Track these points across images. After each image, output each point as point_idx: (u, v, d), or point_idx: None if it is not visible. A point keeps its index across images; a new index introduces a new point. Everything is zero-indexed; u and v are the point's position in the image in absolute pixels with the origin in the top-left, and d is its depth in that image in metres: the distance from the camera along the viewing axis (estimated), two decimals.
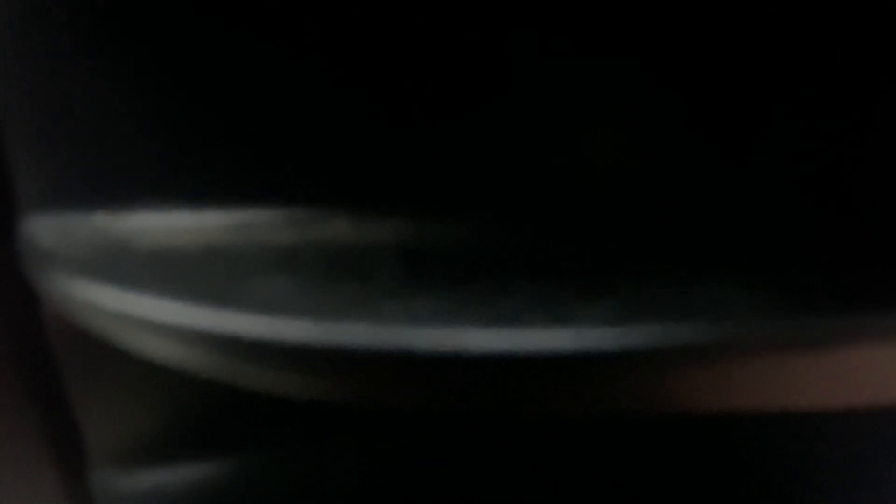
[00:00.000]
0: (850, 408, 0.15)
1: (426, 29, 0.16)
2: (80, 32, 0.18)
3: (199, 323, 0.15)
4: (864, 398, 0.15)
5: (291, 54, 0.17)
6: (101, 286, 0.17)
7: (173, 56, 0.18)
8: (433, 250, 0.17)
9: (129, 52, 0.18)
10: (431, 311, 0.15)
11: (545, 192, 0.17)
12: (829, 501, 0.20)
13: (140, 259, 0.18)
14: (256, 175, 0.18)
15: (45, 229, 0.20)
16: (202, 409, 0.23)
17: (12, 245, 0.20)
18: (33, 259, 0.19)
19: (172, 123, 0.18)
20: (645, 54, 0.15)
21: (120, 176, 0.19)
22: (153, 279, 0.17)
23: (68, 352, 0.22)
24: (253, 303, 0.15)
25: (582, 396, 0.14)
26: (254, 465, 0.23)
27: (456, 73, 0.16)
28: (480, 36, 0.16)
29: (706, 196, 0.16)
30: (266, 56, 0.17)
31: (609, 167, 0.16)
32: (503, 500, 0.21)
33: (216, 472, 0.23)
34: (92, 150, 0.19)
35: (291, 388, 0.15)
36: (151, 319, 0.16)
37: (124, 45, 0.18)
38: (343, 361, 0.14)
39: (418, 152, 0.17)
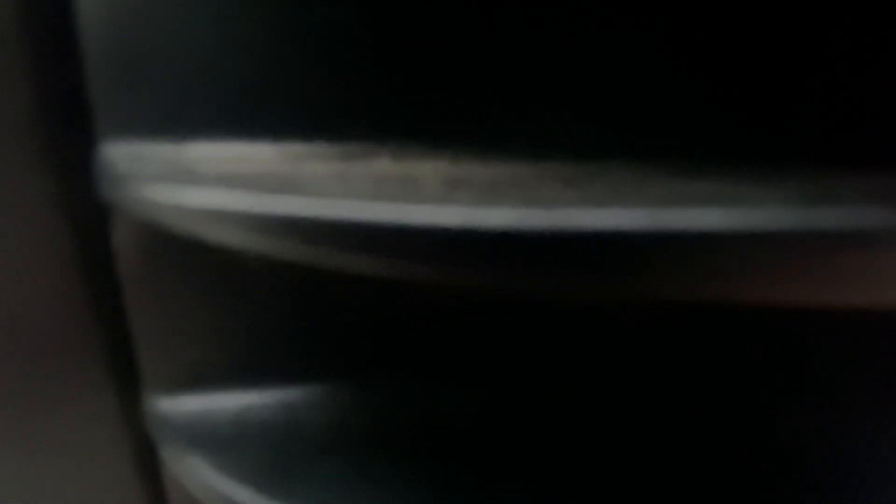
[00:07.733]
0: None
1: None
2: None
3: (288, 210, 0.17)
4: None
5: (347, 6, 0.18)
6: (187, 189, 0.18)
7: (239, 5, 0.19)
8: (470, 181, 0.18)
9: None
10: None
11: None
12: None
13: (210, 178, 0.19)
14: (306, 112, 0.20)
15: (118, 156, 0.21)
16: (254, 341, 0.24)
17: (89, 169, 0.22)
18: (111, 180, 0.21)
19: (233, 65, 0.20)
20: None
21: (184, 110, 0.21)
22: (230, 188, 0.18)
23: (132, 280, 0.24)
24: (329, 193, 0.17)
25: (778, 277, 0.14)
26: (298, 398, 0.24)
27: (494, 26, 0.18)
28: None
29: None
30: (321, 5, 0.19)
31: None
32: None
33: (261, 402, 0.25)
34: (161, 86, 0.21)
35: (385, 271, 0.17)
36: (242, 210, 0.17)
37: None
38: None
39: (457, 96, 0.18)
